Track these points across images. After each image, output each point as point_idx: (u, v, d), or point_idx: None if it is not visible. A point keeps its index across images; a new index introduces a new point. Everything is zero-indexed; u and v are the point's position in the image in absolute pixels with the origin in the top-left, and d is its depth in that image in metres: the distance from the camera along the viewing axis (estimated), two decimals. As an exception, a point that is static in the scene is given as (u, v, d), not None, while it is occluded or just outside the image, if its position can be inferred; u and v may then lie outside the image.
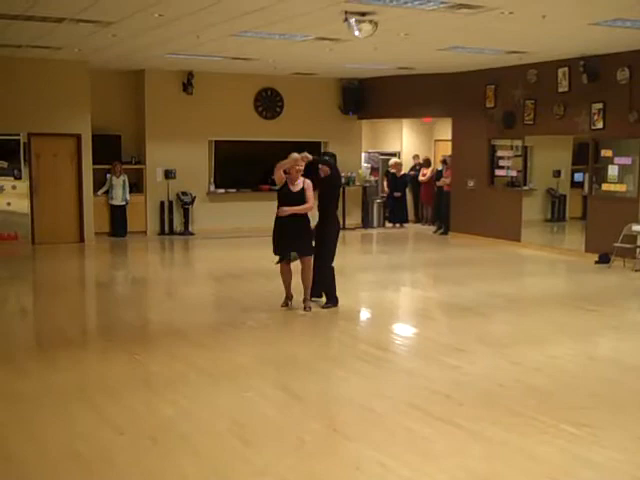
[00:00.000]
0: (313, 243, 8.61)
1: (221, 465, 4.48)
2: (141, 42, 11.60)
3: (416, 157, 18.39)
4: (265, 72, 15.67)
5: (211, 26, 10.07)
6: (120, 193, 15.16)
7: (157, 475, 4.36)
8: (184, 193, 15.83)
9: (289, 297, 8.69)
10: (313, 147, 16.28)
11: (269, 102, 16.62)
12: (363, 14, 8.96)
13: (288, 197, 8.37)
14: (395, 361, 6.98)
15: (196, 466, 4.45)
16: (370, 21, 9.09)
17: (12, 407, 5.46)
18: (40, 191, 14.19)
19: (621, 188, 12.34)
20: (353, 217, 17.27)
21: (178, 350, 7.02)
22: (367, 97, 17.04)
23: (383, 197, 17.91)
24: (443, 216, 16.47)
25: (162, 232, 15.86)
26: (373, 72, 15.85)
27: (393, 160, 17.93)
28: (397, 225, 17.77)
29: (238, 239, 15.17)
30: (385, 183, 17.94)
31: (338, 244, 8.98)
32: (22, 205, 14.12)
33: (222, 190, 16.38)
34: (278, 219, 8.43)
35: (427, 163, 17.96)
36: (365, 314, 9.34)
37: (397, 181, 17.66)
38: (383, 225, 17.79)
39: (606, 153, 12.56)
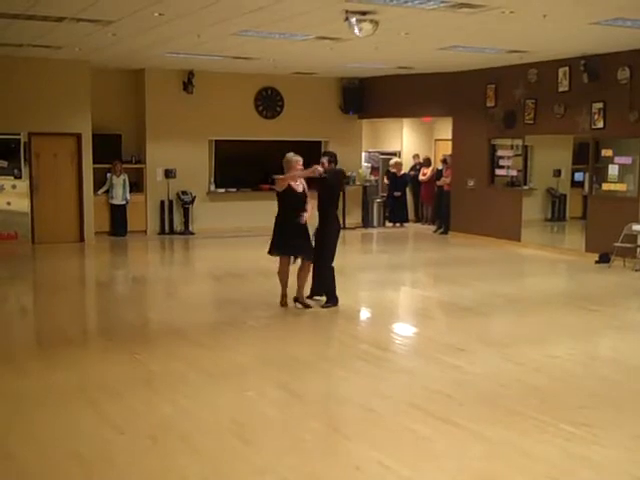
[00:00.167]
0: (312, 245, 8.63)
1: (221, 464, 4.48)
2: (141, 41, 11.60)
3: (416, 156, 18.38)
4: (265, 71, 15.67)
5: (211, 25, 10.07)
6: (120, 192, 15.16)
7: (157, 474, 4.36)
8: (184, 192, 15.83)
9: (286, 295, 8.69)
10: (313, 146, 16.33)
11: (269, 101, 16.61)
12: (364, 13, 8.96)
13: (294, 198, 8.39)
14: (395, 361, 6.97)
15: (196, 465, 4.45)
16: (370, 20, 9.08)
17: (12, 406, 5.47)
18: (40, 190, 14.19)
19: (621, 188, 12.34)
20: (353, 216, 17.27)
21: (178, 349, 7.03)
22: (367, 96, 17.04)
23: (383, 197, 17.91)
24: (443, 216, 16.47)
25: (162, 231, 15.85)
26: (373, 71, 15.84)
27: (394, 160, 17.93)
28: (397, 225, 17.77)
29: (238, 238, 15.16)
30: (386, 181, 17.92)
31: (338, 244, 8.98)
32: (22, 204, 14.12)
33: (222, 189, 16.38)
34: (286, 221, 8.41)
35: (427, 162, 17.95)
36: (365, 314, 9.33)
37: (397, 180, 17.65)
38: (383, 225, 17.78)
39: (606, 153, 12.56)
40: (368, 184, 17.62)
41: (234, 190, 16.50)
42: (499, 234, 14.66)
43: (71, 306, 9.35)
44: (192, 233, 15.88)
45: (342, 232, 9.40)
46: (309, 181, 8.76)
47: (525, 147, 14.38)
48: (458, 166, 15.89)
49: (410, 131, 18.97)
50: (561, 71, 13.12)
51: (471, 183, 15.47)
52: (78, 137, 14.34)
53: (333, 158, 8.89)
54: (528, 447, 4.71)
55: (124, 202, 15.24)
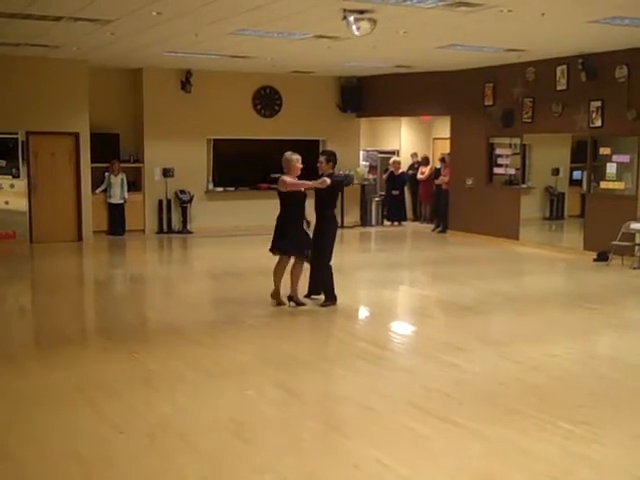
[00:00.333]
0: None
1: (220, 463, 4.48)
2: (139, 40, 11.59)
3: (414, 155, 18.39)
4: (263, 70, 15.66)
5: (209, 24, 10.06)
6: (118, 192, 15.15)
7: (156, 473, 4.36)
8: (182, 191, 15.83)
9: (278, 293, 8.68)
10: (311, 145, 16.33)
11: (268, 100, 16.61)
12: (361, 12, 8.96)
13: (295, 198, 8.42)
14: (394, 359, 6.98)
15: (195, 464, 4.45)
16: (369, 19, 9.09)
17: (11, 406, 5.46)
18: (38, 190, 14.18)
19: (619, 186, 12.34)
20: (351, 215, 17.27)
21: (177, 348, 7.03)
22: (365, 95, 17.04)
23: (381, 195, 17.91)
24: (441, 214, 16.47)
25: (160, 231, 15.85)
26: (372, 70, 15.84)
27: (394, 159, 17.93)
28: (395, 223, 17.78)
29: (236, 237, 15.16)
30: (385, 177, 17.93)
31: (336, 242, 8.97)
32: (20, 204, 14.11)
33: (220, 188, 16.38)
34: (286, 220, 8.44)
35: (425, 161, 17.97)
36: (364, 312, 9.33)
37: (395, 179, 17.65)
38: (382, 223, 17.79)
39: (604, 151, 12.56)
40: (366, 183, 17.62)
41: (232, 189, 16.50)
42: (497, 233, 14.67)
43: (69, 305, 9.35)
44: (190, 232, 15.88)
45: (340, 231, 9.41)
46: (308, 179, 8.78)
47: (523, 146, 14.38)
48: (456, 165, 15.90)
49: (408, 130, 18.97)
50: (559, 69, 13.12)
51: (469, 182, 15.47)
52: (76, 136, 14.34)
53: (332, 157, 8.86)
54: (527, 446, 4.71)
55: (122, 201, 15.23)
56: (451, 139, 16.17)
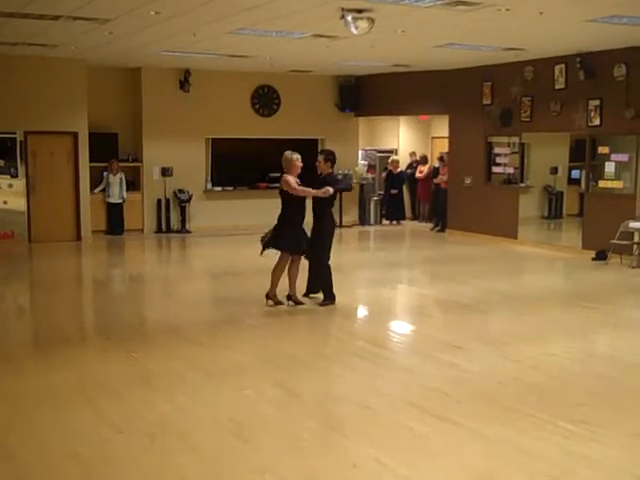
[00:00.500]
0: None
1: (220, 463, 4.48)
2: (138, 40, 11.58)
3: (413, 154, 18.38)
4: (262, 69, 15.66)
5: (207, 23, 10.06)
6: (117, 191, 15.14)
7: (156, 473, 4.36)
8: (181, 191, 15.82)
9: (274, 294, 8.67)
10: (310, 144, 16.32)
11: (266, 99, 16.61)
12: (360, 11, 8.96)
13: (295, 197, 8.40)
14: (392, 358, 6.98)
15: (195, 464, 4.45)
16: (367, 18, 9.08)
17: (11, 406, 5.46)
18: (37, 189, 14.17)
19: (618, 185, 12.35)
20: (350, 214, 17.27)
21: (176, 348, 7.03)
22: (364, 94, 17.04)
23: (380, 194, 17.92)
24: (440, 213, 16.47)
25: (159, 230, 15.84)
26: (370, 69, 15.84)
27: (392, 157, 17.94)
28: (394, 222, 17.77)
29: (235, 237, 15.15)
30: (384, 176, 17.93)
31: (335, 242, 8.97)
32: (19, 203, 14.10)
33: (219, 188, 16.37)
34: (286, 219, 8.47)
35: (424, 160, 17.98)
36: (362, 311, 9.34)
37: (394, 178, 17.65)
38: (380, 222, 17.79)
39: (603, 150, 12.57)
40: (365, 182, 17.62)
41: (231, 188, 16.50)
42: (496, 232, 14.68)
43: (68, 305, 9.34)
44: (189, 231, 15.88)
45: (339, 230, 9.42)
46: (307, 178, 8.78)
47: (522, 145, 14.39)
48: (455, 164, 15.90)
49: (407, 129, 18.96)
50: (557, 68, 13.12)
51: (468, 181, 15.48)
52: (75, 136, 14.34)
53: (330, 156, 8.87)
54: (526, 445, 4.71)
55: (121, 201, 15.23)
56: (449, 138, 16.17)
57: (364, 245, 16.10)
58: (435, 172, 17.01)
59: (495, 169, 15.04)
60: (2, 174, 13.96)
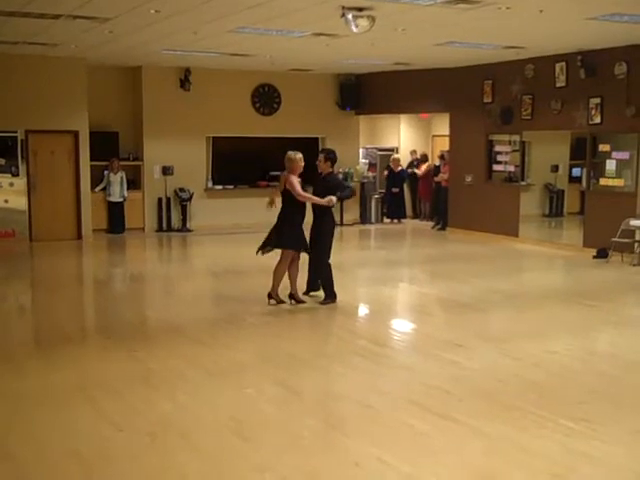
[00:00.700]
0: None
1: (220, 461, 4.49)
2: (138, 38, 11.58)
3: (413, 152, 18.37)
4: (262, 68, 15.65)
5: (208, 22, 10.05)
6: (118, 190, 15.14)
7: (157, 472, 4.36)
8: (182, 189, 15.82)
9: (277, 293, 8.67)
10: (310, 143, 16.32)
11: (267, 98, 16.60)
12: (360, 9, 8.96)
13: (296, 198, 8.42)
14: (393, 357, 6.98)
15: (195, 462, 4.45)
16: (367, 16, 9.08)
17: (11, 406, 5.46)
18: (38, 188, 14.17)
19: (619, 183, 12.34)
20: (351, 213, 17.26)
21: (177, 347, 7.03)
22: (364, 93, 17.04)
23: (381, 193, 17.91)
24: (441, 212, 16.47)
25: (160, 229, 15.85)
26: (370, 68, 15.83)
27: (394, 156, 17.93)
28: (395, 221, 17.77)
29: (236, 235, 15.15)
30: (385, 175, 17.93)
31: (335, 240, 8.97)
32: (20, 202, 14.11)
33: (220, 186, 16.37)
34: (286, 218, 8.47)
35: (424, 158, 17.99)
36: (363, 310, 9.34)
37: (395, 177, 17.65)
38: (381, 221, 17.78)
39: (604, 148, 12.56)
40: (366, 180, 17.62)
41: (232, 187, 16.50)
42: (497, 230, 14.67)
43: (69, 304, 9.35)
44: (190, 230, 15.88)
45: (340, 228, 9.42)
46: (307, 177, 8.78)
47: (522, 143, 14.37)
48: (456, 162, 15.89)
49: (407, 127, 18.95)
50: (558, 66, 13.11)
51: (469, 179, 15.47)
52: (75, 135, 14.34)
53: (331, 155, 8.86)
54: (527, 442, 4.71)
55: (121, 199, 15.23)
56: (450, 136, 16.16)
57: (365, 243, 16.10)
58: (436, 170, 17.01)
59: (496, 167, 15.03)
60: (3, 173, 13.96)
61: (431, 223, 17.09)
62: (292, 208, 8.40)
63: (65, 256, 13.16)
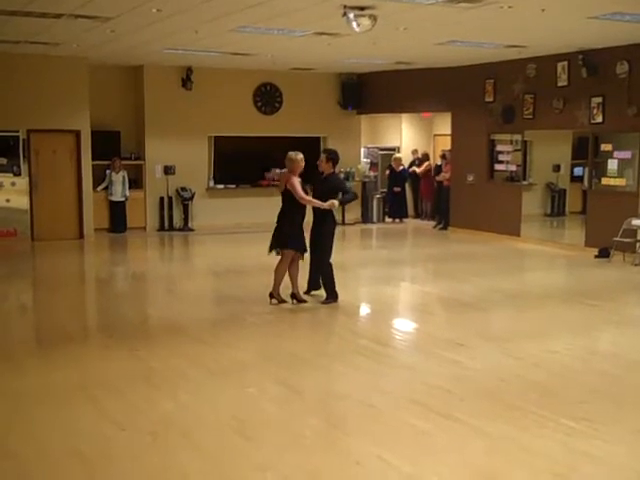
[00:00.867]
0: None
1: (222, 461, 4.49)
2: (139, 38, 11.58)
3: (415, 152, 18.37)
4: (264, 67, 15.65)
5: (209, 21, 10.05)
6: (119, 189, 15.15)
7: (158, 471, 4.36)
8: (183, 189, 15.83)
9: (278, 293, 8.66)
10: (312, 142, 16.33)
11: (268, 97, 16.60)
12: (362, 8, 8.95)
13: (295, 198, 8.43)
14: (395, 356, 6.98)
15: (197, 461, 4.45)
16: (369, 16, 9.07)
17: (12, 405, 5.46)
18: (39, 187, 14.18)
19: (621, 182, 12.33)
20: (352, 212, 17.24)
21: (179, 346, 7.03)
22: (366, 92, 17.03)
23: (383, 192, 17.91)
24: (443, 211, 16.46)
25: (162, 228, 15.85)
26: (372, 67, 15.83)
27: (395, 155, 17.92)
28: (397, 220, 17.77)
29: (238, 235, 15.16)
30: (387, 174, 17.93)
31: (337, 239, 8.97)
32: (21, 202, 14.11)
33: (221, 186, 16.37)
34: (286, 217, 8.47)
35: (425, 158, 17.98)
36: (365, 309, 9.34)
37: (396, 176, 17.64)
38: (383, 220, 17.78)
39: (606, 147, 12.54)
40: (367, 180, 17.62)
41: (233, 186, 16.50)
42: (499, 229, 14.67)
43: (71, 303, 9.35)
44: (191, 229, 15.89)
45: (341, 228, 9.42)
46: (307, 177, 8.77)
47: (524, 142, 14.36)
48: (457, 161, 15.89)
49: (409, 126, 18.95)
50: (560, 66, 13.10)
51: (470, 178, 15.46)
52: (77, 134, 14.34)
53: (332, 155, 8.86)
54: (528, 442, 4.71)
55: (123, 199, 15.24)
56: (452, 135, 16.15)
57: (367, 243, 16.10)
58: (437, 170, 17.01)
59: (497, 166, 15.02)
60: (5, 172, 13.96)
61: (433, 222, 17.08)
62: (292, 208, 8.40)
63: (67, 255, 13.17)
